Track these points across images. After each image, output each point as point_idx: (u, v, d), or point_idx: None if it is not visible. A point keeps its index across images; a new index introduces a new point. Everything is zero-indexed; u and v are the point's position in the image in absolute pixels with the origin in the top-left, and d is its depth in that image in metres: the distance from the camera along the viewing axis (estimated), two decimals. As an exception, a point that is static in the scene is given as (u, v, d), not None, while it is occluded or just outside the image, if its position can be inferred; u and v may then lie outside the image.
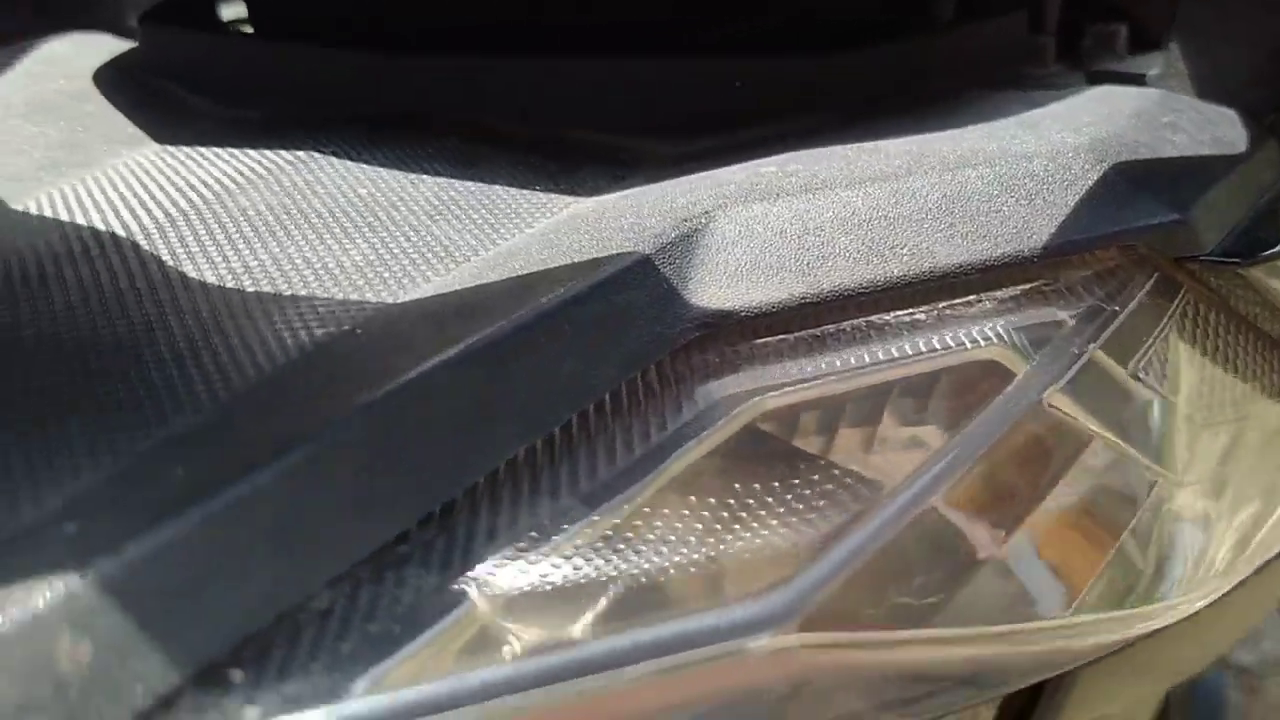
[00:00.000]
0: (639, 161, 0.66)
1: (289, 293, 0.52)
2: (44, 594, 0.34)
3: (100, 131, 0.72)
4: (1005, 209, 0.55)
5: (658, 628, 0.40)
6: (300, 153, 0.65)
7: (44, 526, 0.37)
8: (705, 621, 0.41)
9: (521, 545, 0.42)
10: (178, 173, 0.64)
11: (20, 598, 0.34)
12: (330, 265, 0.54)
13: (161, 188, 0.62)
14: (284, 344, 0.47)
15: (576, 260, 0.53)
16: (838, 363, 0.51)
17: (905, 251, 0.53)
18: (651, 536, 0.44)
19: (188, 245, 0.55)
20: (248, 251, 0.55)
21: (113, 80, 0.81)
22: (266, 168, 0.63)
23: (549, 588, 0.42)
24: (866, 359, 0.51)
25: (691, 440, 0.47)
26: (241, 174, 0.62)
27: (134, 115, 0.74)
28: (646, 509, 0.45)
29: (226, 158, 0.65)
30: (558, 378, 0.46)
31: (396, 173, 0.63)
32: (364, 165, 0.64)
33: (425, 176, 0.63)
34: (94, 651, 0.34)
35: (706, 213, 0.54)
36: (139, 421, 0.42)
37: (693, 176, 0.60)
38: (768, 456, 0.48)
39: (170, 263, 0.54)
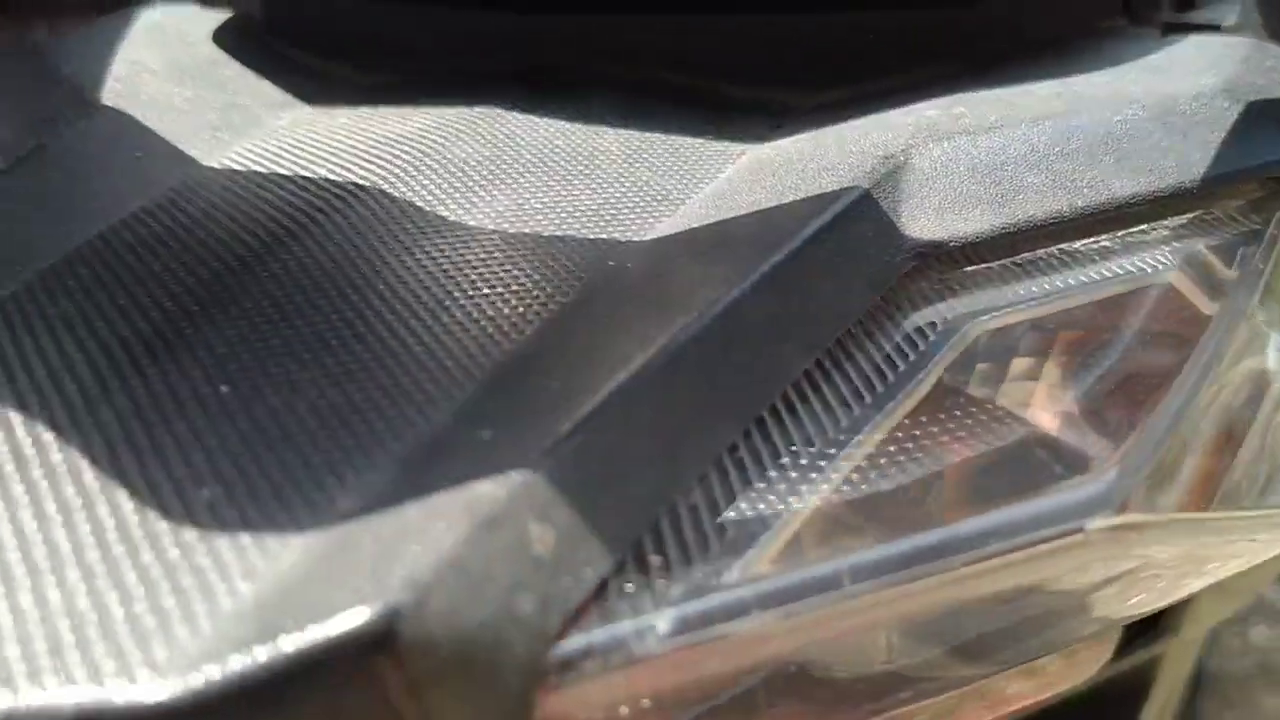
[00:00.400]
0: (784, 111, 0.70)
1: (551, 233, 0.55)
2: (509, 490, 0.38)
3: (248, 94, 0.74)
4: (1164, 145, 0.60)
5: (992, 515, 0.45)
6: (477, 108, 0.68)
7: (459, 433, 0.41)
8: (1040, 506, 0.46)
9: (829, 450, 0.47)
10: (360, 130, 0.67)
11: (491, 493, 0.38)
12: (568, 209, 0.57)
13: (363, 142, 0.64)
14: (578, 276, 0.51)
15: (789, 199, 0.57)
16: (1035, 289, 0.56)
17: (1084, 184, 0.58)
18: (928, 442, 0.49)
19: (432, 192, 0.58)
20: (489, 198, 0.58)
21: (237, 46, 0.82)
22: (455, 122, 0.66)
23: (865, 488, 0.46)
24: (1061, 285, 0.56)
25: (934, 359, 0.52)
26: (435, 129, 0.65)
27: (275, 79, 0.76)
28: (914, 418, 0.50)
29: (402, 116, 0.68)
30: (823, 301, 0.51)
31: (576, 125, 0.66)
32: (541, 119, 0.67)
33: (604, 128, 0.66)
34: (556, 538, 0.38)
35: (904, 150, 0.58)
36: (487, 346, 0.46)
37: (859, 121, 0.64)
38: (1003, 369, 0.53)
39: (428, 207, 0.57)
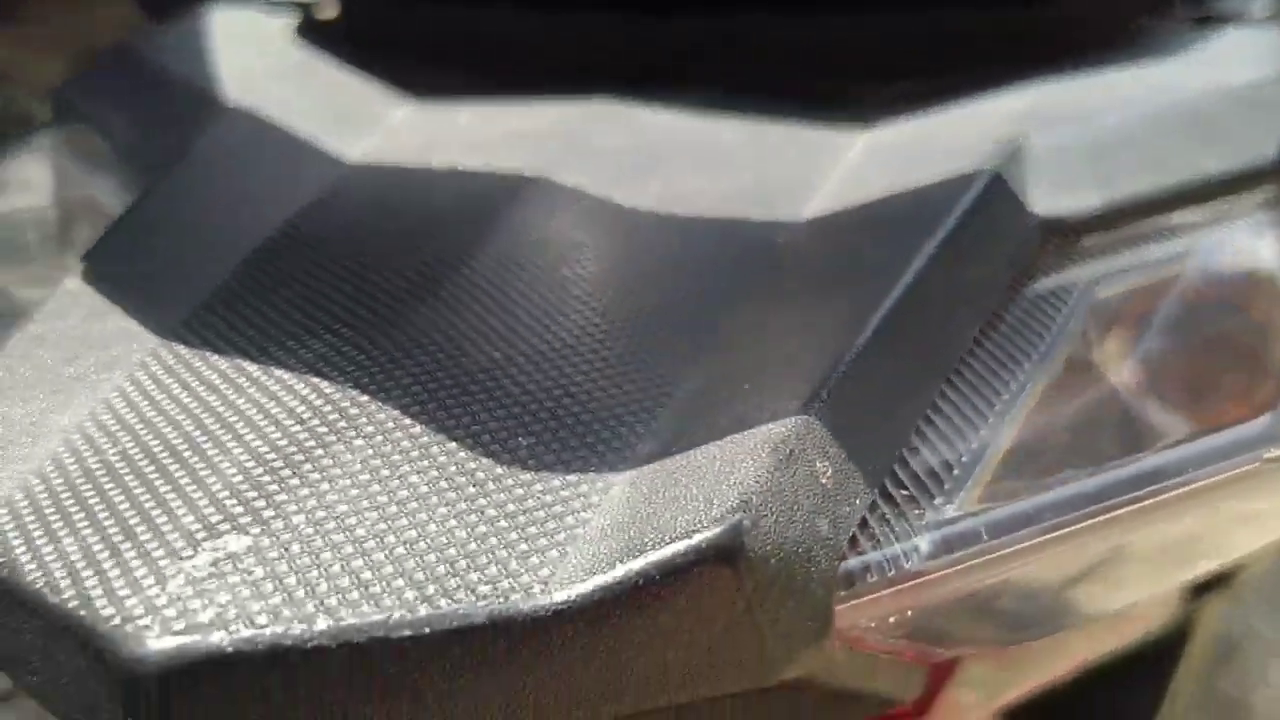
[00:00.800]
0: (870, 104, 0.78)
1: (714, 215, 0.62)
2: (796, 431, 0.45)
3: (353, 94, 0.78)
4: (1237, 128, 0.69)
5: (1189, 446, 0.53)
6: (594, 104, 0.73)
7: (721, 389, 0.48)
8: (1218, 440, 0.54)
9: (1005, 399, 0.54)
10: (488, 124, 0.72)
11: (783, 433, 0.45)
12: (719, 193, 0.64)
13: (499, 135, 0.70)
14: (756, 254, 0.58)
15: (926, 182, 0.64)
16: (1145, 257, 0.64)
17: (1178, 164, 0.66)
18: (1086, 391, 0.57)
19: (591, 177, 0.64)
20: (643, 183, 0.64)
21: (321, 48, 0.86)
22: (581, 116, 0.72)
23: (1041, 431, 0.54)
24: (1167, 254, 0.64)
25: (1071, 319, 0.60)
26: (564, 122, 0.71)
27: (370, 79, 0.80)
28: (1069, 372, 0.57)
29: (523, 113, 0.73)
30: (980, 273, 0.58)
31: (689, 117, 0.73)
32: (655, 113, 0.73)
33: (715, 120, 0.73)
34: (833, 471, 0.45)
35: (1018, 135, 0.66)
36: (706, 315, 0.53)
37: (959, 110, 0.72)
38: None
39: (594, 192, 0.63)
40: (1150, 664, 0.75)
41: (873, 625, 0.47)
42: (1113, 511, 0.51)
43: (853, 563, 0.46)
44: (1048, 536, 0.50)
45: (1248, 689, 0.94)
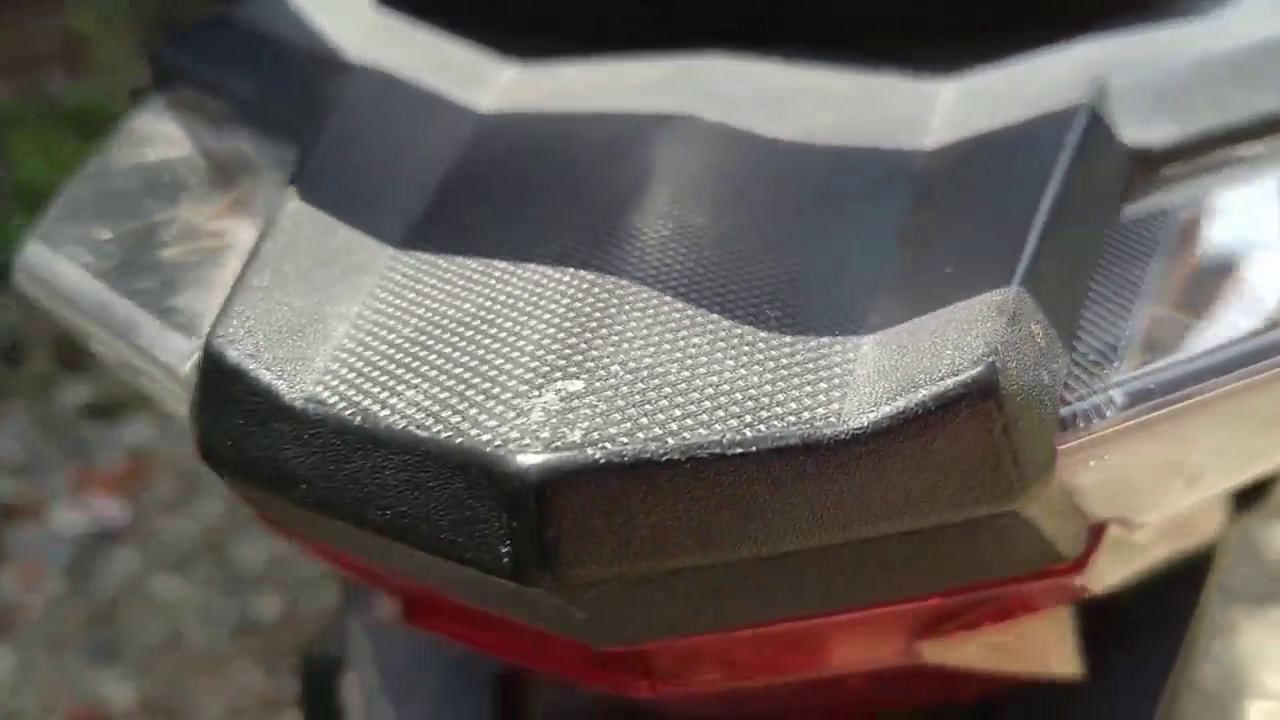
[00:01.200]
0: (940, 58, 0.87)
1: (856, 145, 0.71)
2: (1014, 297, 0.54)
3: (451, 56, 0.82)
4: None
5: None
6: (697, 60, 0.79)
7: (925, 271, 0.57)
8: None
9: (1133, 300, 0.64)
10: (605, 79, 0.78)
11: (1005, 299, 0.54)
12: (848, 130, 0.72)
13: (621, 86, 0.75)
14: (909, 177, 0.67)
15: (1028, 118, 0.74)
16: (1222, 185, 0.74)
17: (1240, 102, 0.76)
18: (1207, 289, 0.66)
19: (730, 116, 0.71)
20: (778, 122, 0.72)
21: (402, 18, 0.89)
22: (692, 68, 0.78)
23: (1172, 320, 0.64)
24: (1240, 181, 0.74)
25: (1171, 238, 0.70)
26: (679, 74, 0.77)
27: (481, 42, 0.85)
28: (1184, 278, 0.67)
29: (632, 69, 0.79)
30: (1094, 198, 0.68)
31: (793, 69, 0.81)
32: (760, 64, 0.80)
33: (815, 71, 0.81)
34: (1043, 333, 0.55)
35: (1100, 77, 0.75)
36: (882, 223, 0.62)
37: (1038, 59, 0.81)
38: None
39: (739, 127, 0.71)
40: (1185, 580, 0.86)
41: (1071, 474, 0.56)
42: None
43: (1064, 410, 0.55)
44: (1233, 386, 0.58)
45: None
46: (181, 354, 0.62)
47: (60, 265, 0.68)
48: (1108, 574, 0.66)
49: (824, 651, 0.65)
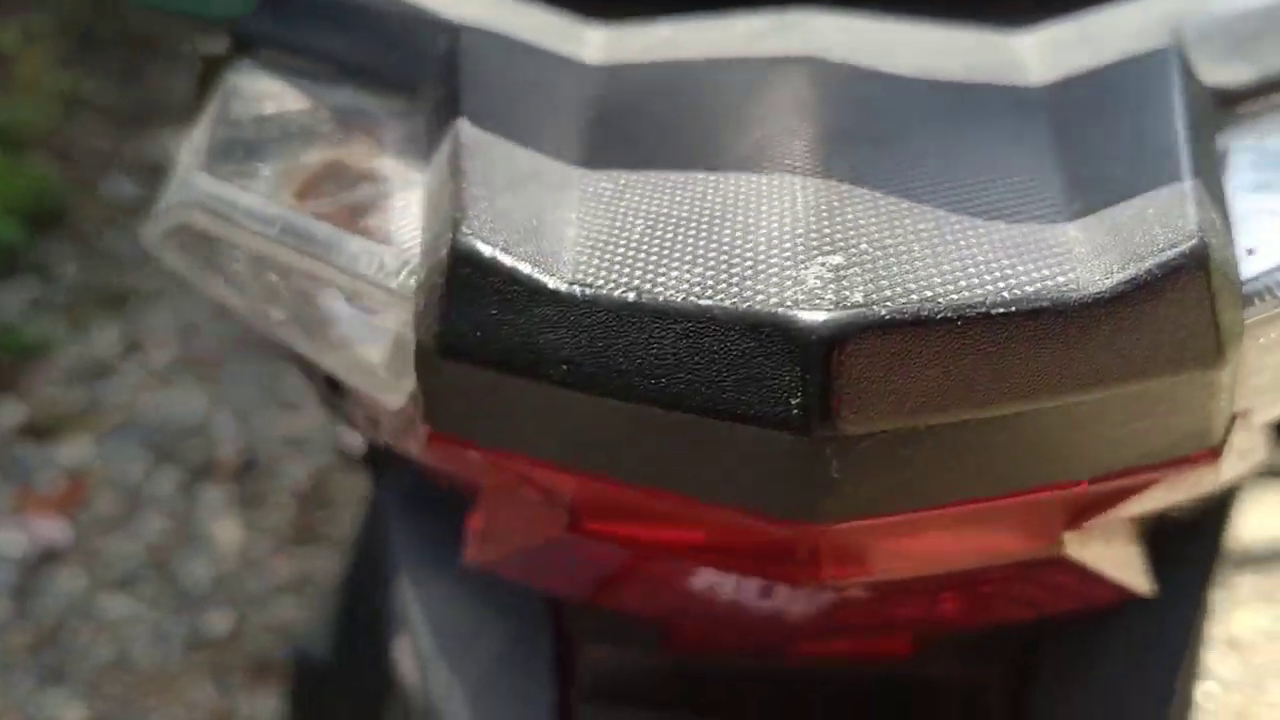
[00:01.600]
0: (1015, 12, 0.92)
1: (977, 80, 0.76)
2: (1192, 187, 0.60)
3: (535, 18, 0.83)
4: None
5: None
6: (790, 15, 0.82)
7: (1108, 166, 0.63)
8: None
9: None
10: (703, 36, 0.80)
11: (1184, 189, 0.60)
12: (962, 66, 0.77)
13: (731, 44, 0.77)
14: (1036, 102, 0.73)
15: (1121, 59, 0.80)
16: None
17: None
18: None
19: (858, 56, 0.76)
20: (898, 61, 0.77)
21: None
22: (788, 20, 0.81)
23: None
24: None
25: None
26: (777, 25, 0.80)
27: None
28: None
29: (725, 25, 0.81)
30: (1205, 130, 0.74)
31: (878, 22, 0.85)
32: (849, 17, 0.82)
33: (903, 23, 0.85)
34: (1220, 219, 0.60)
35: (1174, 17, 0.82)
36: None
37: (1110, 10, 0.87)
38: None
39: (894, 70, 0.76)
40: (1214, 514, 0.90)
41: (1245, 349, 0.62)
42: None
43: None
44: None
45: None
46: (390, 267, 0.63)
47: (237, 195, 0.69)
48: (1224, 472, 0.72)
49: (986, 538, 0.69)
